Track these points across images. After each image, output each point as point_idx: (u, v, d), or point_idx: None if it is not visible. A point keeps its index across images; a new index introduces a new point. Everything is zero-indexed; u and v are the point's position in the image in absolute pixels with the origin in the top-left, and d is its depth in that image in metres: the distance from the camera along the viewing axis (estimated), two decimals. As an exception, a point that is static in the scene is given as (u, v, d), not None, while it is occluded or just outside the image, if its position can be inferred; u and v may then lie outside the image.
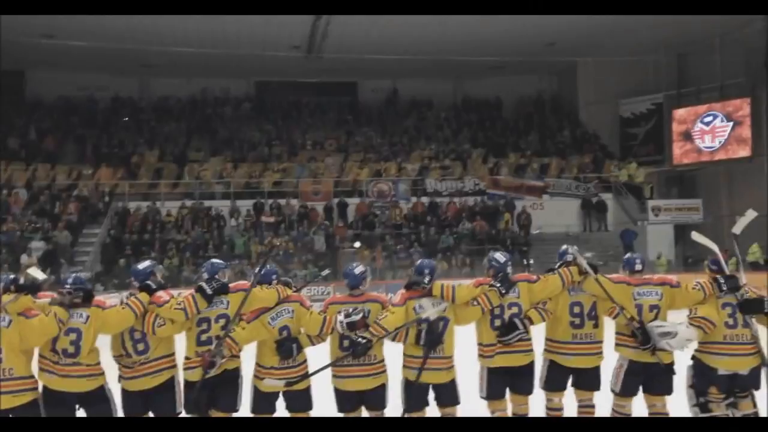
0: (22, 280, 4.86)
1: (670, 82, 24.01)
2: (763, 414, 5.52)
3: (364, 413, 5.30)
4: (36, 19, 18.68)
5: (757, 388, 5.43)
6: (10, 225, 19.34)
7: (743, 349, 5.31)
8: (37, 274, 4.97)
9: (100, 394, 4.90)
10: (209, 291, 4.97)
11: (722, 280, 5.36)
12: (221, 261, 5.39)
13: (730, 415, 5.42)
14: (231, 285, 5.14)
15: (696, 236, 6.06)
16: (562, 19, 19.66)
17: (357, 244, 19.21)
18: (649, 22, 19.92)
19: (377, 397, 5.20)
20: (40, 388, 4.87)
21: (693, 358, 5.48)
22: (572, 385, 5.54)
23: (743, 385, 5.38)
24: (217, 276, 5.15)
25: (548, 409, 5.56)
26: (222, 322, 5.00)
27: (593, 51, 23.47)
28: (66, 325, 4.78)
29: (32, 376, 4.81)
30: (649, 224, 21.50)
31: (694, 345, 5.48)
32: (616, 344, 5.52)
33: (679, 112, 23.66)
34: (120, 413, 5.01)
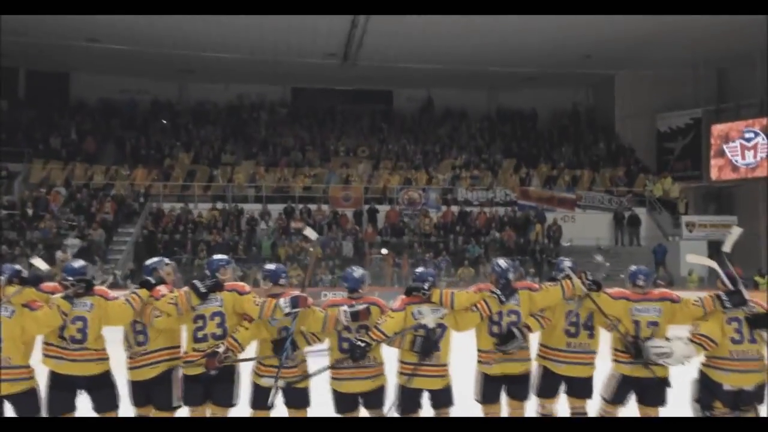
0: (25, 273, 5.06)
1: (709, 96, 23.65)
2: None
3: (363, 413, 5.35)
4: (81, 24, 19.30)
5: (761, 402, 5.38)
6: (48, 222, 19.89)
7: (750, 366, 5.28)
8: (41, 264, 5.15)
9: (106, 379, 5.13)
10: (202, 289, 5.10)
11: (725, 297, 5.31)
12: (224, 257, 5.51)
13: None
14: (227, 284, 5.25)
15: (692, 258, 6.02)
16: (599, 31, 19.54)
17: (384, 251, 19.29)
18: (689, 35, 19.67)
19: (376, 398, 5.28)
20: (45, 375, 5.05)
21: (699, 372, 5.45)
22: (565, 392, 5.55)
23: (748, 401, 5.32)
24: (218, 273, 5.27)
25: (541, 415, 5.56)
26: (217, 319, 5.14)
27: (630, 64, 23.25)
28: (71, 315, 4.98)
29: (29, 366, 5.01)
30: (683, 240, 21.12)
31: (700, 358, 5.45)
32: (613, 359, 5.51)
33: (718, 128, 23.26)
34: (126, 400, 5.21)
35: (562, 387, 5.57)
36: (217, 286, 5.19)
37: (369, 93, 26.93)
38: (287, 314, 5.13)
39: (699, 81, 23.29)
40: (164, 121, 25.32)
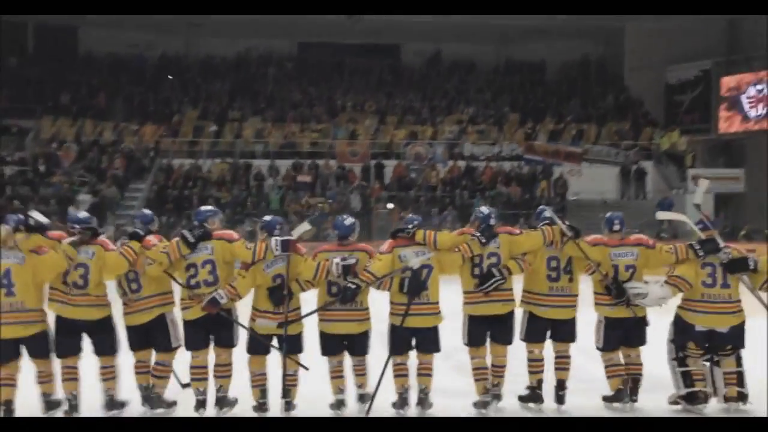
0: (30, 221, 5.32)
1: (719, 48, 23.36)
2: (748, 375, 5.71)
3: (348, 361, 5.63)
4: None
5: (741, 347, 5.65)
6: (60, 178, 20.23)
7: (720, 308, 5.55)
8: (39, 217, 5.41)
9: (107, 324, 5.44)
10: (191, 239, 5.34)
11: (697, 246, 5.52)
12: (211, 208, 5.78)
13: (705, 371, 5.66)
14: (215, 233, 5.49)
15: (661, 214, 6.22)
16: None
17: (390, 205, 19.53)
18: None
19: (360, 343, 5.55)
20: (51, 320, 5.35)
21: (675, 314, 5.74)
22: (550, 338, 5.79)
23: (723, 343, 5.60)
24: (206, 223, 5.50)
25: (529, 360, 5.81)
26: (208, 267, 5.38)
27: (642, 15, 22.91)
28: (75, 261, 5.25)
29: (42, 309, 5.30)
30: (689, 193, 21.13)
31: (675, 301, 5.69)
32: (595, 303, 5.78)
33: (727, 80, 23.06)
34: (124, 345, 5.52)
35: (548, 333, 5.80)
36: (206, 235, 5.41)
37: (376, 47, 26.82)
38: (277, 256, 5.35)
39: (709, 32, 22.99)
40: (170, 77, 25.37)
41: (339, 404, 5.57)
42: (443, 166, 22.15)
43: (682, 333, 5.66)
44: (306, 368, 5.48)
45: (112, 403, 5.45)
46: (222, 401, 5.45)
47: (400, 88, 26.00)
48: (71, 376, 5.37)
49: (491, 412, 5.59)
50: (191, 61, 26.30)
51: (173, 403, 5.60)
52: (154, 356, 5.58)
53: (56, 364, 5.39)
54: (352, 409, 5.61)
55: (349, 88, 25.75)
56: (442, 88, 26.02)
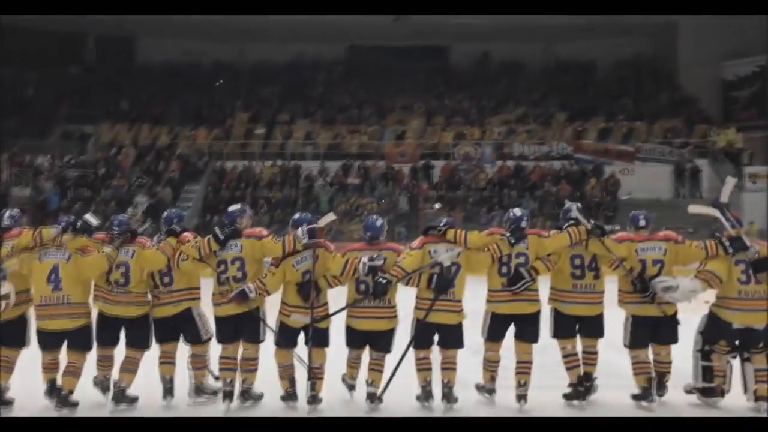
0: (79, 224, 5.66)
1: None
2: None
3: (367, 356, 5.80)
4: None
5: None
6: (120, 181, 21.02)
7: (758, 305, 5.54)
8: (91, 219, 5.76)
9: (143, 321, 5.74)
10: (221, 236, 5.58)
11: (727, 243, 5.51)
12: (239, 207, 5.96)
13: (729, 369, 5.65)
14: (245, 231, 5.71)
15: (693, 208, 6.17)
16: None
17: (437, 205, 19.63)
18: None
19: (384, 340, 5.70)
20: (94, 315, 5.68)
21: (710, 312, 5.75)
22: (577, 332, 5.83)
23: (758, 340, 5.59)
24: (236, 222, 5.73)
25: (563, 356, 5.86)
26: (237, 264, 5.60)
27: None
28: (116, 261, 5.59)
29: (86, 303, 5.64)
30: (745, 192, 20.60)
31: (705, 296, 5.71)
32: (619, 301, 5.81)
33: (786, 75, 22.40)
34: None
35: (577, 328, 5.83)
36: (236, 234, 5.64)
37: (424, 49, 26.96)
38: (306, 251, 5.54)
39: (765, 27, 22.30)
40: (221, 82, 26.02)
41: (350, 388, 5.82)
42: (491, 166, 22.13)
43: (716, 330, 5.64)
44: (304, 364, 5.63)
45: (122, 396, 5.64)
46: (247, 394, 5.68)
47: (448, 90, 26.08)
48: (106, 364, 5.74)
49: (514, 409, 5.66)
50: (243, 67, 26.93)
51: (215, 393, 5.82)
52: (189, 349, 5.84)
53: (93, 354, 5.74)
54: (360, 406, 5.71)
55: (397, 90, 25.95)
56: (490, 89, 25.98)
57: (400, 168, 22.16)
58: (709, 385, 5.63)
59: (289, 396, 5.68)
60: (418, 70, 26.80)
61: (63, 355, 5.73)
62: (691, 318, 5.84)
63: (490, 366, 5.81)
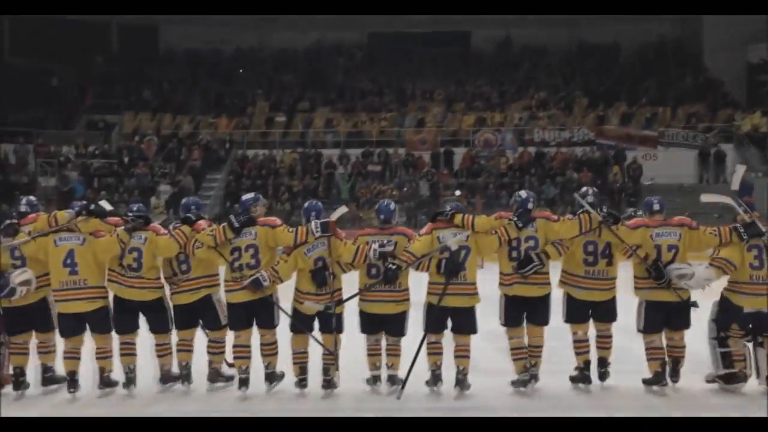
0: (92, 207, 5.79)
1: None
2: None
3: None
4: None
5: None
6: (143, 169, 21.26)
7: None
8: (105, 205, 5.89)
9: (159, 304, 5.86)
10: (235, 224, 5.65)
11: (742, 229, 5.49)
12: (253, 195, 6.03)
13: (748, 353, 5.64)
14: (259, 219, 5.78)
15: (706, 197, 6.15)
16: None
17: (457, 192, 19.60)
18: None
19: (398, 323, 5.75)
20: (111, 298, 5.80)
21: (721, 296, 5.74)
22: (590, 317, 5.85)
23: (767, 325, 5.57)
24: (250, 210, 5.80)
25: (574, 341, 5.89)
26: (251, 251, 5.67)
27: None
28: (129, 245, 5.69)
29: (103, 287, 5.78)
30: (769, 176, 20.32)
31: (720, 283, 5.69)
32: (635, 287, 5.81)
33: (814, 57, 21.95)
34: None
35: (589, 313, 5.85)
36: (250, 221, 5.71)
37: (446, 35, 26.80)
38: (318, 239, 5.60)
39: (794, 7, 21.88)
40: (241, 70, 26.15)
41: (374, 380, 5.83)
42: (512, 152, 22.03)
43: (727, 314, 5.65)
44: (321, 344, 5.71)
45: (167, 377, 5.88)
46: (271, 376, 5.79)
47: (469, 75, 25.96)
48: (128, 351, 5.83)
49: (529, 391, 5.71)
50: (264, 54, 27.03)
51: (231, 378, 5.92)
52: (206, 335, 5.95)
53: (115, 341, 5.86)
54: (384, 388, 5.82)
55: (418, 76, 25.89)
56: (512, 74, 25.82)
57: (420, 155, 22.16)
58: (731, 370, 5.61)
59: (300, 382, 5.76)
60: (438, 56, 26.69)
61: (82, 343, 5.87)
62: (707, 304, 5.82)
63: (518, 354, 5.78)
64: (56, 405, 5.57)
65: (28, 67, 24.61)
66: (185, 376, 5.89)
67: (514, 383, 5.77)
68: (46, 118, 23.48)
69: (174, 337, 5.94)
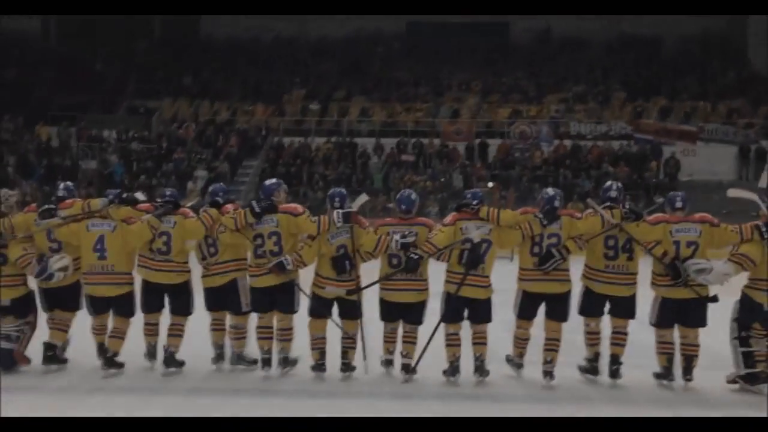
0: (125, 195, 6.02)
1: None
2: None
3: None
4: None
5: None
6: (180, 155, 21.65)
7: None
8: (139, 196, 6.15)
9: (184, 288, 6.02)
10: (257, 209, 5.76)
11: (764, 227, 5.46)
12: (275, 181, 6.15)
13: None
14: (282, 206, 5.89)
15: (732, 192, 6.09)
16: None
17: (490, 184, 19.56)
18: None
19: (417, 312, 5.85)
20: (138, 283, 6.00)
21: (741, 293, 5.71)
22: (608, 313, 5.86)
23: None
24: (272, 196, 5.90)
25: (586, 333, 5.92)
26: (274, 238, 5.79)
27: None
28: (159, 230, 5.86)
29: (130, 273, 5.96)
30: (813, 174, 19.81)
31: (743, 281, 5.65)
32: (651, 283, 5.80)
33: None
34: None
35: (606, 308, 5.88)
36: (272, 208, 5.81)
37: (484, 25, 26.63)
38: (340, 227, 5.72)
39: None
40: (281, 58, 26.37)
41: (387, 363, 5.97)
42: (548, 145, 21.86)
43: (748, 312, 5.62)
44: (340, 327, 5.86)
45: (171, 359, 5.97)
46: (285, 361, 5.93)
47: (507, 67, 25.81)
48: (152, 331, 6.04)
49: (545, 382, 5.79)
50: (303, 43, 27.21)
51: (255, 361, 6.06)
52: (228, 318, 6.11)
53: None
54: (396, 375, 5.94)
55: (455, 66, 25.82)
56: (550, 66, 25.59)
57: (455, 146, 22.14)
58: (753, 370, 5.58)
59: (319, 367, 5.88)
60: (476, 46, 26.56)
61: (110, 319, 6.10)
62: (728, 303, 5.80)
63: (520, 343, 5.93)
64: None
65: (72, 52, 25.21)
66: (219, 355, 6.09)
67: (508, 359, 5.98)
68: (90, 103, 24.02)
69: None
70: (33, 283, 6.08)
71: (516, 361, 5.96)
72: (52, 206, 6.06)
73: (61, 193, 6.22)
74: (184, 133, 22.70)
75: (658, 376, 5.77)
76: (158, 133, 22.91)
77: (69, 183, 6.44)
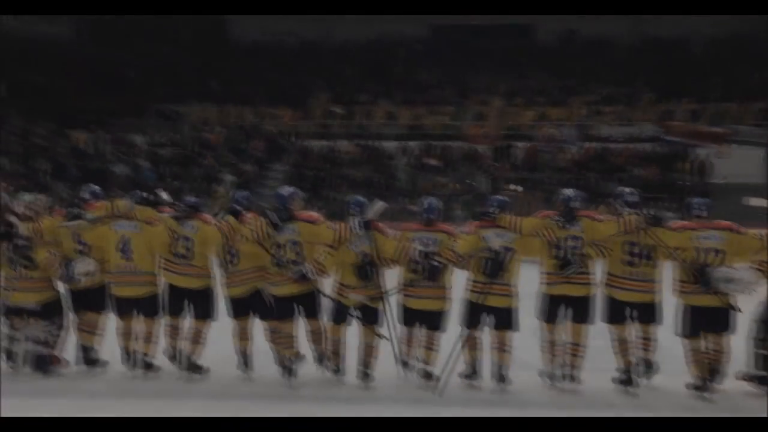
0: (148, 196, 6.13)
1: None
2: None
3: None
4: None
5: None
6: (209, 158, 21.88)
7: None
8: (162, 194, 6.20)
9: (206, 293, 6.06)
10: (275, 220, 5.80)
11: None
12: (291, 189, 6.12)
13: None
14: (300, 214, 5.92)
15: (749, 200, 6.02)
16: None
17: (516, 187, 19.46)
18: None
19: (437, 319, 5.84)
20: (162, 285, 6.08)
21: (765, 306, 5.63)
22: (634, 319, 5.80)
23: None
24: (288, 205, 5.92)
25: (613, 341, 5.87)
26: (294, 247, 5.81)
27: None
28: (180, 234, 5.93)
29: (153, 273, 6.03)
30: None
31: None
32: (674, 290, 5.75)
33: None
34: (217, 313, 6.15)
35: (628, 313, 5.81)
36: (290, 217, 5.85)
37: (509, 27, 26.53)
38: (359, 235, 5.74)
39: None
40: (306, 62, 26.54)
41: (404, 364, 5.94)
42: (574, 147, 21.70)
43: None
44: (386, 338, 5.86)
45: (190, 364, 6.03)
46: (321, 361, 6.00)
47: (532, 69, 25.68)
48: (174, 333, 6.08)
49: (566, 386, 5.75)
50: (327, 47, 27.35)
51: (294, 361, 6.00)
52: (260, 324, 6.11)
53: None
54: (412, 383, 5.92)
55: (480, 69, 25.77)
56: (575, 68, 25.41)
57: (480, 149, 22.08)
58: (764, 374, 5.55)
59: (338, 371, 5.92)
60: (501, 49, 26.46)
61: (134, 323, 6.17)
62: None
63: (548, 347, 5.86)
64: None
65: (103, 58, 25.60)
66: (244, 362, 6.09)
67: (540, 374, 5.85)
68: (120, 108, 24.38)
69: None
70: (61, 287, 6.20)
71: (547, 371, 5.83)
72: (78, 209, 6.16)
73: (86, 196, 6.33)
74: (212, 137, 22.95)
75: (694, 387, 5.68)
76: (187, 137, 23.19)
77: (94, 186, 6.52)
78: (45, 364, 6.01)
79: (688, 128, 21.49)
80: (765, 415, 5.01)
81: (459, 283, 5.95)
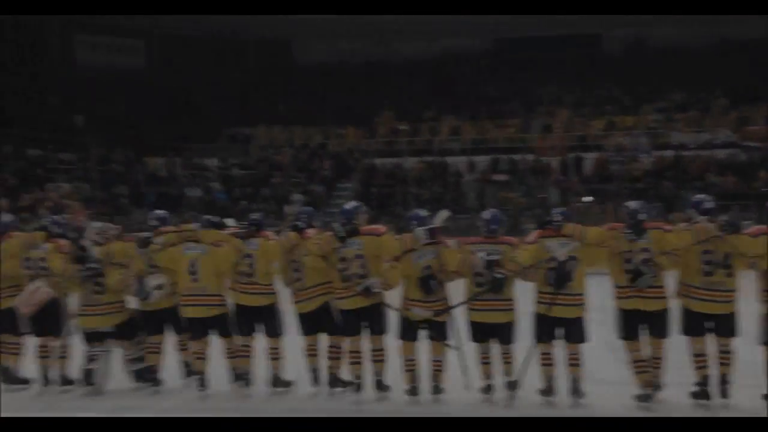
0: (211, 219, 6.32)
1: None
2: None
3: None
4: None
5: None
6: (278, 179, 22.29)
7: None
8: (228, 220, 6.43)
9: (271, 311, 6.12)
10: (340, 233, 5.84)
11: None
12: (356, 204, 6.19)
13: None
14: (364, 228, 5.94)
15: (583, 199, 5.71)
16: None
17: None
18: None
19: (506, 332, 5.76)
20: (230, 305, 6.18)
21: None
22: (711, 331, 5.58)
23: None
24: (353, 219, 5.96)
25: (692, 356, 5.64)
26: (359, 261, 5.82)
27: None
28: (244, 252, 6.04)
29: (221, 295, 6.13)
30: None
31: None
32: (759, 299, 5.52)
33: None
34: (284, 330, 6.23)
35: (706, 325, 5.60)
36: (355, 231, 5.88)
37: (574, 38, 26.16)
38: (426, 247, 5.72)
39: None
40: (369, 81, 26.85)
41: (488, 388, 5.84)
42: (646, 156, 21.12)
43: None
44: (456, 348, 5.80)
45: (276, 380, 6.13)
46: (379, 384, 5.96)
47: (599, 79, 25.23)
48: (244, 353, 6.17)
49: (653, 404, 5.57)
50: (390, 64, 27.59)
51: (350, 383, 6.04)
52: (326, 340, 6.12)
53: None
54: (498, 395, 5.84)
55: (545, 80, 25.47)
56: (644, 76, 24.80)
57: (548, 161, 21.76)
58: None
59: (412, 390, 5.86)
60: (565, 59, 26.11)
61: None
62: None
63: (638, 367, 5.65)
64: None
65: (174, 85, 26.50)
66: (315, 378, 6.12)
67: (638, 397, 5.60)
68: (192, 133, 25.15)
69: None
70: (135, 306, 6.39)
71: (644, 393, 5.58)
72: (149, 235, 6.36)
73: (154, 223, 6.51)
74: (280, 158, 23.40)
75: None
76: (256, 159, 23.70)
77: (160, 212, 6.70)
78: (150, 374, 6.27)
79: (766, 134, 20.67)
80: (765, 415, 4.80)
81: (525, 296, 5.84)
